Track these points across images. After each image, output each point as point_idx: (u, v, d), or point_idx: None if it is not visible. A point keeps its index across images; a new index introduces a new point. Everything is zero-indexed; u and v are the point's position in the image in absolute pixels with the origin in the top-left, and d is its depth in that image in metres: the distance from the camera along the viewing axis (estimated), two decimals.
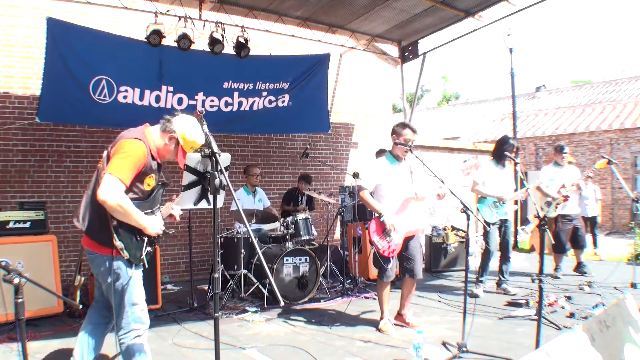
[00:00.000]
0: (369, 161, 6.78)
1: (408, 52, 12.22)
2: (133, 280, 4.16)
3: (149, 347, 4.34)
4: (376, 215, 6.30)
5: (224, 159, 3.99)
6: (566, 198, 9.15)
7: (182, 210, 4.63)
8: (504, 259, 8.45)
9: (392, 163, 6.45)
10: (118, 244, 3.99)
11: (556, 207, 9.27)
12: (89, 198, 4.14)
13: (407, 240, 6.43)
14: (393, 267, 6.42)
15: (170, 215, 4.65)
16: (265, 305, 7.76)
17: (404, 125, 6.41)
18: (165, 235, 4.44)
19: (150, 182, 4.18)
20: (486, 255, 8.30)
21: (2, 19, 9.01)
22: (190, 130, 4.28)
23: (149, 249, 4.26)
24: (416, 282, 6.64)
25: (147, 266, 4.31)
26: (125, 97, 8.95)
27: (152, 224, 4.13)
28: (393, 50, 12.59)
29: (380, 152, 9.71)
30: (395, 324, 6.65)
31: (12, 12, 9.07)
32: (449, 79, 48.13)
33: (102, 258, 4.08)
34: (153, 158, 4.20)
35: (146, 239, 4.19)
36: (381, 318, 6.59)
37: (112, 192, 3.82)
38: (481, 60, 76.03)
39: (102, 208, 3.91)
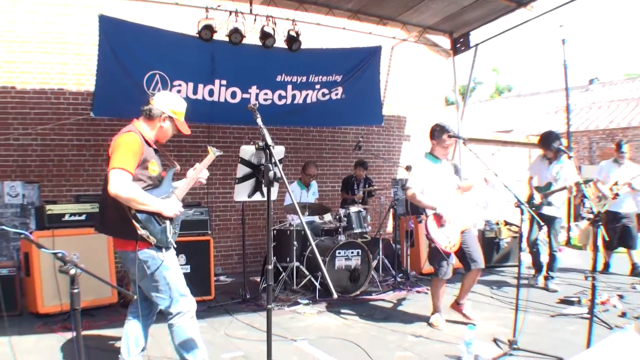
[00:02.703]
0: (414, 163, 6.75)
1: (460, 44, 12.02)
2: (167, 263, 4.26)
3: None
4: (430, 212, 6.25)
5: (278, 151, 4.00)
6: (615, 196, 8.99)
7: (236, 202, 4.64)
8: (549, 256, 8.34)
9: (435, 163, 6.42)
10: (142, 232, 4.07)
11: (604, 204, 9.07)
12: (104, 201, 4.27)
13: (462, 234, 6.35)
14: (450, 265, 6.36)
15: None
16: (317, 298, 7.78)
17: (443, 130, 6.31)
18: (185, 215, 4.48)
19: (154, 167, 4.29)
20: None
21: (55, 18, 9.21)
22: (174, 103, 4.51)
23: (174, 230, 4.36)
24: (480, 272, 6.51)
25: (175, 247, 4.40)
26: (179, 91, 9.02)
27: (168, 206, 4.22)
28: (445, 42, 12.43)
29: None
30: (447, 320, 6.55)
31: (64, 10, 9.27)
32: (499, 72, 47.37)
33: (130, 255, 4.18)
34: (148, 145, 4.32)
35: (168, 221, 4.27)
36: (433, 313, 6.53)
37: (120, 183, 3.97)
38: (533, 52, 74.65)
39: (117, 205, 4.05)
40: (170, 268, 4.28)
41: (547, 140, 8.19)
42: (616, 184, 9.01)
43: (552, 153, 8.18)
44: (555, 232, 8.28)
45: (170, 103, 4.47)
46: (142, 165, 4.17)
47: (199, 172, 4.59)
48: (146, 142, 4.29)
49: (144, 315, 4.51)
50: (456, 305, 6.65)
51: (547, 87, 35.55)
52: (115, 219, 4.17)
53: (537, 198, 8.12)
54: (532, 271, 8.74)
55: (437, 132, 6.34)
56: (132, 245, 4.14)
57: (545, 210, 8.09)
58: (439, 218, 6.18)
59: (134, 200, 4.01)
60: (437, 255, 6.32)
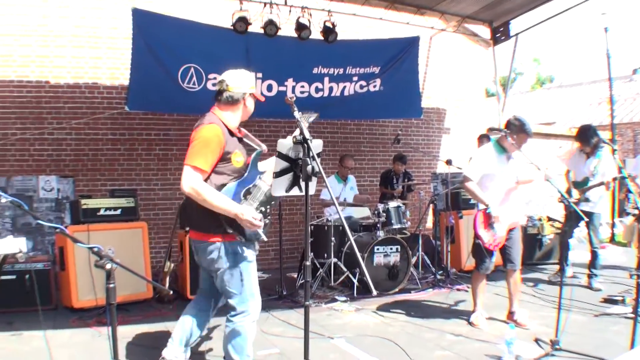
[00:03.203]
0: (477, 150, 6.55)
1: (500, 34, 11.76)
2: (248, 263, 4.16)
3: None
4: (482, 207, 6.08)
5: (316, 145, 3.85)
6: None
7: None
8: (591, 253, 8.15)
9: (500, 154, 6.15)
10: (231, 231, 3.99)
11: None
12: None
13: (509, 231, 6.16)
14: (493, 260, 6.21)
15: None
16: (355, 295, 7.69)
17: (522, 128, 5.99)
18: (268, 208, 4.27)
19: (237, 158, 4.14)
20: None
21: (88, 12, 9.25)
22: (248, 78, 4.40)
23: (265, 221, 4.17)
24: (518, 272, 6.30)
25: (265, 239, 4.21)
26: (214, 85, 8.85)
27: (246, 211, 3.97)
28: (484, 31, 12.19)
29: (483, 137, 9.69)
30: (488, 318, 6.42)
31: (97, 4, 9.31)
32: (540, 62, 46.54)
33: (212, 245, 4.10)
34: (232, 134, 4.18)
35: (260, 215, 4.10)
36: (473, 311, 6.40)
37: (188, 181, 3.91)
38: (576, 41, 73.33)
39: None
40: (249, 265, 4.18)
41: (586, 135, 8.00)
42: None
43: (589, 148, 7.97)
44: (594, 228, 8.08)
45: (245, 80, 4.35)
46: (224, 159, 4.06)
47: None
48: (230, 131, 4.16)
49: (203, 309, 4.50)
50: (510, 315, 6.41)
51: (589, 77, 34.71)
52: (194, 213, 4.11)
53: (575, 194, 7.93)
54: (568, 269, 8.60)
55: (515, 128, 5.99)
56: (214, 236, 4.08)
57: (583, 207, 7.83)
58: (488, 217, 6.01)
59: (204, 201, 3.92)
60: (480, 251, 6.16)
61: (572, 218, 7.81)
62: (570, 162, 8.52)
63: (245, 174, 4.16)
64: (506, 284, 6.36)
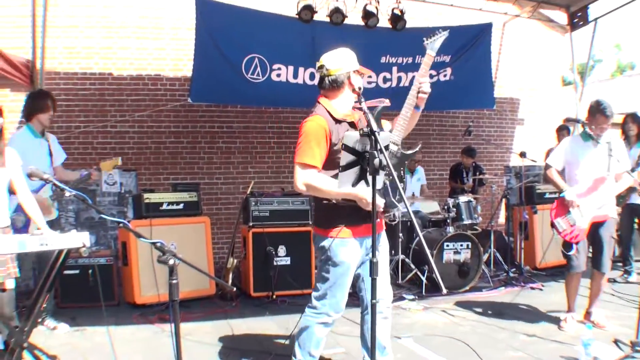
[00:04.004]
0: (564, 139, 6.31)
1: (577, 19, 11.26)
2: (342, 263, 3.99)
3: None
4: (560, 195, 5.84)
5: (384, 137, 3.59)
6: None
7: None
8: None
9: (585, 140, 5.85)
10: (335, 227, 3.94)
11: None
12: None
13: (596, 227, 5.79)
14: (580, 256, 5.81)
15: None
16: (423, 293, 7.56)
17: (599, 108, 5.67)
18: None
19: None
20: None
21: (151, 2, 9.30)
22: (349, 56, 4.15)
23: (401, 185, 3.96)
24: (604, 276, 5.94)
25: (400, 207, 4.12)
26: (279, 75, 8.95)
27: (363, 191, 3.74)
28: (561, 17, 11.75)
29: (561, 129, 9.41)
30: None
31: None
32: (621, 48, 45.05)
33: (316, 237, 4.11)
34: (339, 122, 4.00)
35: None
36: (567, 311, 6.08)
37: (299, 179, 3.89)
38: None
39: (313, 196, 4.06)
40: (342, 265, 4.00)
41: (636, 120, 7.92)
42: None
43: (635, 133, 7.88)
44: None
45: (346, 58, 4.11)
46: (334, 150, 3.89)
47: (421, 79, 4.19)
48: (337, 120, 3.99)
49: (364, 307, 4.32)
50: (587, 315, 6.14)
51: None
52: (315, 205, 4.18)
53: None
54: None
55: (592, 110, 5.77)
56: (319, 230, 4.07)
57: (634, 199, 7.60)
58: (564, 202, 5.76)
59: (322, 193, 3.90)
60: (564, 246, 5.88)
61: (625, 213, 7.83)
62: None
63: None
64: (589, 284, 6.06)
